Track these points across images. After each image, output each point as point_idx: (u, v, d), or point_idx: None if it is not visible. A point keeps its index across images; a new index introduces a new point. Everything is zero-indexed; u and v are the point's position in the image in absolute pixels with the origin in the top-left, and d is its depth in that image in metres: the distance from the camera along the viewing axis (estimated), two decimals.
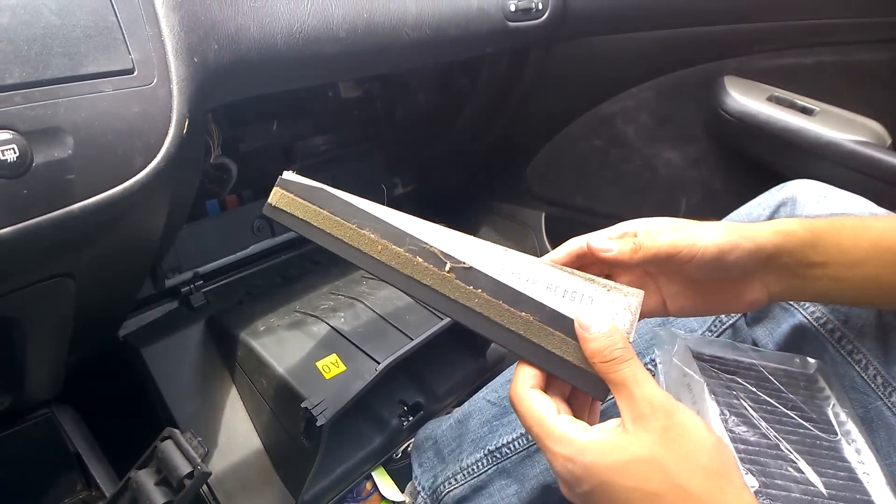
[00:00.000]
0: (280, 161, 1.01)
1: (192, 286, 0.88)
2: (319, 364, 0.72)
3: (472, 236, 0.44)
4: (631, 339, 0.39)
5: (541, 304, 0.41)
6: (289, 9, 0.61)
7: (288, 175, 0.49)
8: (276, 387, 0.73)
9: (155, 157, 0.45)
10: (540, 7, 0.91)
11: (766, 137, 0.87)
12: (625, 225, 0.45)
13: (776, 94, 0.89)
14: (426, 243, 0.42)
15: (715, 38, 0.93)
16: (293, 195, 0.48)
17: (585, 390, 0.41)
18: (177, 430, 0.57)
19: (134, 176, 0.44)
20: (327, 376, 0.71)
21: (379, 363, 0.71)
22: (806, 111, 0.87)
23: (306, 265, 1.00)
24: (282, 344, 0.76)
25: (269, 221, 0.98)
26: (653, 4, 0.95)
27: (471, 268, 0.42)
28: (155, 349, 0.80)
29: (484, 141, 1.17)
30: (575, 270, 0.42)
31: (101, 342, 0.81)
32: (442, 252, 0.42)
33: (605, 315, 0.40)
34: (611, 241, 0.42)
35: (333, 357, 0.73)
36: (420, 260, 0.42)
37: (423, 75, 1.08)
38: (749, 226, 0.45)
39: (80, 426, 0.72)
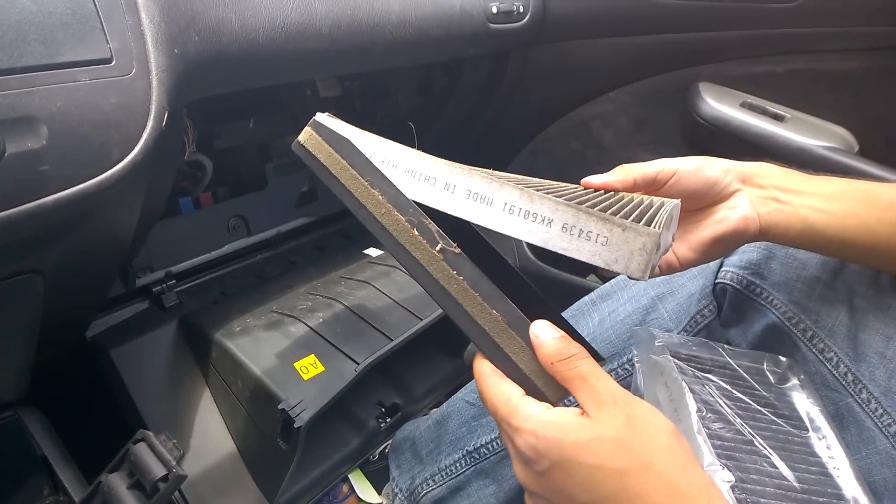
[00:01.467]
0: (256, 159, 1.00)
1: (163, 286, 0.86)
2: (297, 365, 0.71)
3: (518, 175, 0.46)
4: (646, 279, 0.39)
5: (511, 306, 0.41)
6: (271, 2, 0.60)
7: (321, 117, 0.49)
8: (253, 388, 0.71)
9: (132, 150, 0.44)
10: (521, 10, 0.92)
11: (739, 142, 0.89)
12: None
13: (749, 100, 0.91)
14: (426, 219, 0.43)
15: (690, 45, 0.95)
16: (321, 138, 0.48)
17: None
18: (150, 433, 0.56)
19: (110, 169, 0.43)
20: (305, 377, 0.70)
21: (358, 363, 0.70)
22: (777, 117, 0.89)
23: (283, 265, 0.99)
24: (258, 344, 0.75)
25: (245, 220, 0.96)
26: (630, 11, 0.96)
27: (460, 254, 0.42)
28: (124, 350, 0.78)
29: (464, 142, 1.18)
30: (600, 203, 0.43)
31: (68, 343, 0.79)
32: (437, 231, 0.43)
33: (619, 256, 0.39)
34: (605, 174, 0.49)
35: (312, 358, 0.72)
36: (416, 233, 0.43)
37: (403, 76, 1.08)
38: None
39: (47, 428, 0.70)
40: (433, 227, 0.43)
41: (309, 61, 0.66)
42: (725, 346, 0.58)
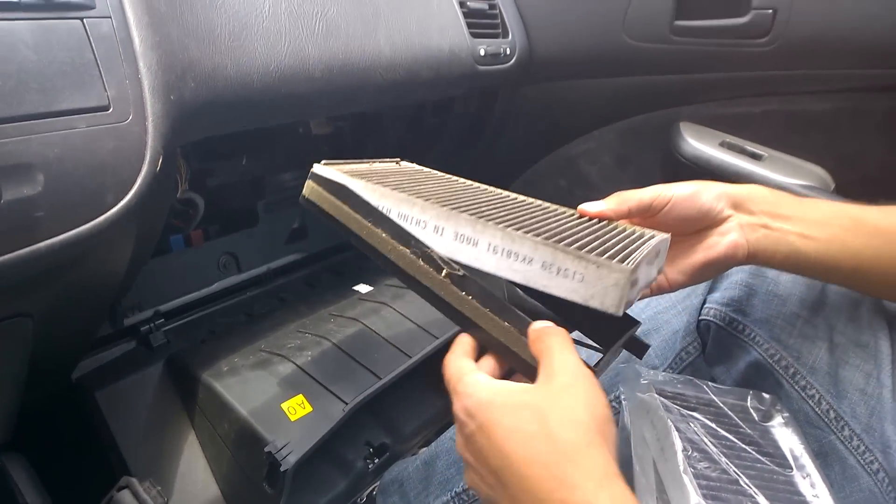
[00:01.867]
0: (248, 196, 1.00)
1: (151, 325, 0.85)
2: (285, 405, 0.70)
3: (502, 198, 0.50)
4: (619, 314, 0.41)
5: (521, 316, 0.44)
6: (266, 48, 0.62)
7: (319, 168, 0.51)
8: (239, 430, 0.70)
9: (126, 194, 0.45)
10: (508, 52, 0.95)
11: (719, 180, 0.91)
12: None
13: (728, 139, 0.94)
14: (427, 247, 0.46)
15: (670, 86, 0.98)
16: (322, 189, 0.50)
17: None
18: (134, 479, 0.55)
19: (104, 213, 0.43)
20: (293, 418, 0.69)
21: (346, 403, 0.70)
22: (755, 156, 0.91)
23: (273, 302, 0.99)
24: (246, 385, 0.75)
25: (235, 257, 0.96)
26: (611, 54, 0.99)
27: (465, 275, 0.45)
28: (110, 392, 0.76)
29: None
30: (586, 237, 0.45)
31: (54, 385, 0.78)
32: (440, 258, 0.45)
33: (595, 293, 0.42)
34: (600, 202, 0.51)
35: (300, 398, 0.72)
36: (421, 263, 0.46)
37: (394, 113, 1.10)
38: None
39: (31, 476, 0.68)
40: (436, 254, 0.46)
41: (302, 104, 0.68)
42: (710, 383, 0.59)
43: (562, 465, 0.35)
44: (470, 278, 0.45)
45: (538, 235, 0.43)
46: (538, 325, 0.43)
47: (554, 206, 0.55)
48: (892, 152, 0.86)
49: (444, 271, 0.45)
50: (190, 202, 0.86)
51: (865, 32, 0.82)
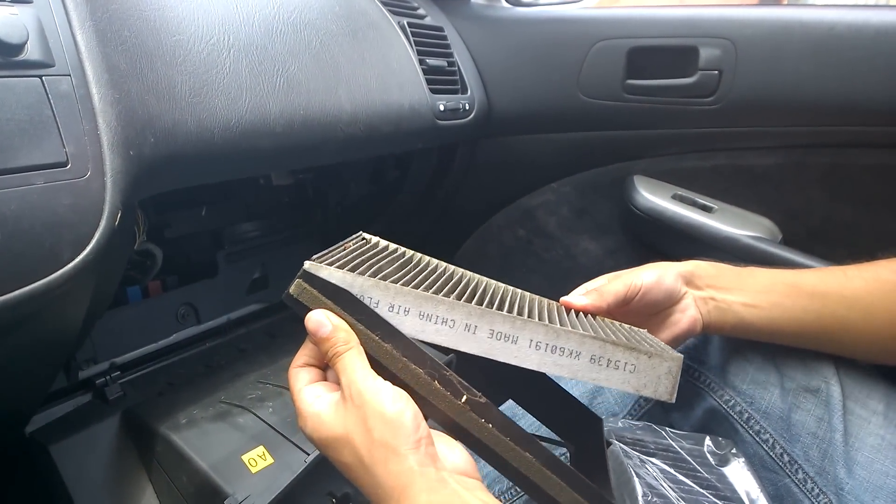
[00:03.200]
0: (208, 247, 1.00)
1: (107, 377, 0.83)
2: (245, 457, 0.69)
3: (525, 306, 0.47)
4: (672, 401, 0.43)
5: (541, 447, 0.42)
6: (226, 104, 0.62)
7: (310, 266, 0.43)
8: (198, 483, 0.69)
9: (84, 249, 0.44)
10: (467, 107, 0.98)
11: (672, 231, 0.95)
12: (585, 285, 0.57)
13: (679, 192, 0.98)
14: (446, 370, 0.42)
15: (625, 141, 1.02)
16: (316, 291, 0.43)
17: None
18: None
19: (60, 269, 0.43)
20: (254, 470, 0.68)
21: (308, 454, 0.69)
22: (706, 209, 0.95)
23: (233, 353, 0.97)
24: (205, 437, 0.73)
25: (195, 308, 0.95)
26: (566, 110, 1.03)
27: (486, 402, 0.42)
28: (64, 446, 0.74)
29: (415, 229, 1.21)
30: (619, 333, 0.46)
31: (6, 440, 0.75)
32: (460, 382, 0.42)
33: (648, 382, 0.43)
34: (582, 297, 0.54)
35: (261, 449, 0.71)
36: (438, 385, 0.42)
37: (355, 166, 1.12)
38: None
39: None
40: (454, 377, 0.42)
41: (263, 158, 0.68)
42: (668, 429, 0.60)
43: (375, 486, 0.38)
44: (489, 405, 0.42)
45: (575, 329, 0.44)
46: (323, 343, 0.43)
47: (540, 297, 0.54)
48: (834, 205, 0.89)
49: (465, 397, 0.42)
50: (147, 253, 0.85)
51: (804, 93, 0.87)
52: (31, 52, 0.44)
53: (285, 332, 1.05)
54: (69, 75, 0.46)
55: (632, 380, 0.43)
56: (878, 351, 0.56)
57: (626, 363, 0.43)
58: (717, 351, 0.62)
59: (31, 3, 0.46)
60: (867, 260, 0.58)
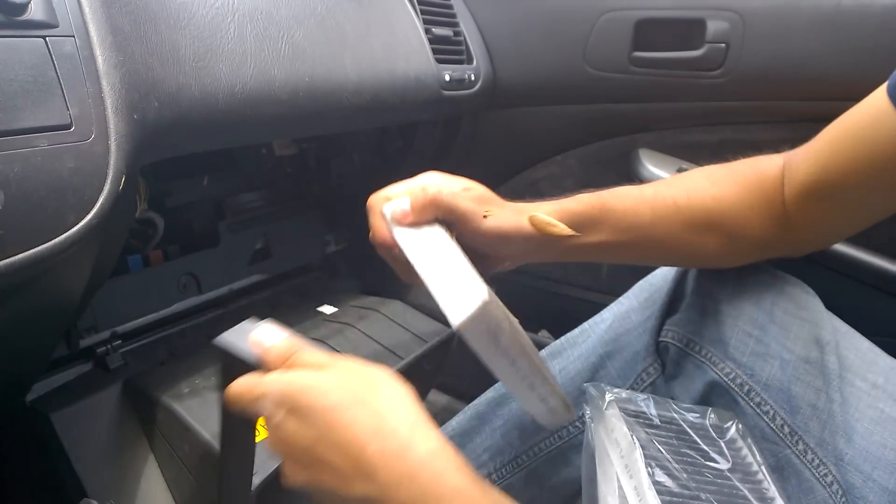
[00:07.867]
0: (210, 216, 0.99)
1: (108, 346, 0.83)
2: None
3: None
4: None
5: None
6: (230, 69, 0.62)
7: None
8: (201, 453, 0.69)
9: (88, 213, 0.44)
10: (472, 78, 0.97)
11: None
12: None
13: (684, 166, 0.97)
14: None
15: (630, 114, 1.01)
16: None
17: None
18: (94, 501, 0.53)
19: (65, 232, 0.43)
20: (256, 440, 0.68)
21: None
22: None
23: (235, 323, 0.97)
24: (207, 407, 0.73)
25: (196, 278, 0.95)
26: (572, 82, 1.02)
27: None
28: (65, 414, 0.74)
29: None
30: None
31: (7, 408, 0.75)
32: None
33: (546, 414, 0.55)
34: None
35: (263, 419, 0.71)
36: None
37: (359, 136, 1.10)
38: None
39: None
40: None
41: (267, 125, 0.68)
42: (671, 401, 0.60)
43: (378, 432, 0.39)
44: None
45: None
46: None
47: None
48: None
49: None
50: (149, 222, 0.85)
51: (811, 67, 0.86)
52: (35, 13, 0.43)
53: (287, 303, 1.05)
54: (73, 36, 0.45)
55: (541, 409, 0.54)
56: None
57: (553, 404, 0.54)
58: (716, 324, 0.62)
59: None
60: (874, 235, 0.58)
